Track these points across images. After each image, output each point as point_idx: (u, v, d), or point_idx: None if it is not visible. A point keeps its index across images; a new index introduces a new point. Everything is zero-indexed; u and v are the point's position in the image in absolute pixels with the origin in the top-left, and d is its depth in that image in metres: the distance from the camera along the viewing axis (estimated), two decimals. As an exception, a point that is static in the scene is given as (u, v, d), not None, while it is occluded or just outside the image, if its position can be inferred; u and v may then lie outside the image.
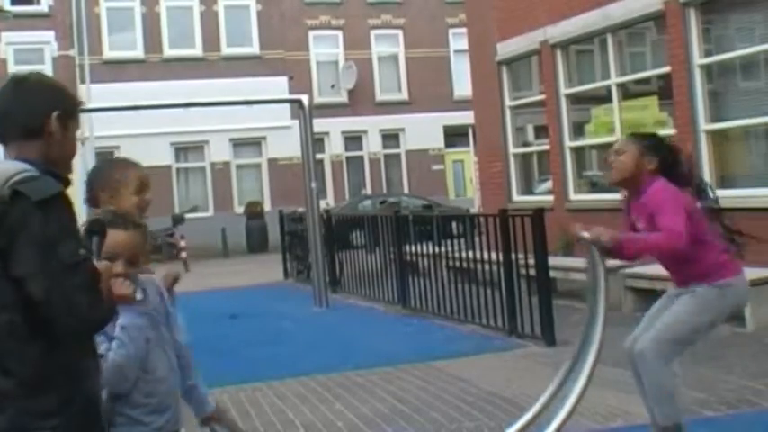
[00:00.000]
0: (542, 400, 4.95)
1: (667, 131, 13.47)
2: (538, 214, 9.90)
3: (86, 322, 2.65)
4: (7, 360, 2.54)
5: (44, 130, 2.79)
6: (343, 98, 34.30)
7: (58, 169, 2.79)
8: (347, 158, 34.55)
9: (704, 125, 12.37)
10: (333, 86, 34.34)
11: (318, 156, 22.42)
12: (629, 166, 4.88)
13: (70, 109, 2.89)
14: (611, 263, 4.90)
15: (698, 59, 12.42)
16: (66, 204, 2.63)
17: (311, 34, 34.09)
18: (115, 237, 3.33)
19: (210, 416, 4.06)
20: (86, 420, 2.70)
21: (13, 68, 29.30)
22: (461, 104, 29.29)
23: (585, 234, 4.68)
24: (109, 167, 4.23)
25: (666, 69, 13.08)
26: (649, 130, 14.12)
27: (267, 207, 30.66)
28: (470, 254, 12.20)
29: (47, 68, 29.00)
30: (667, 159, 4.99)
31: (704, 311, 4.90)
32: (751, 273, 9.74)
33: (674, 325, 4.87)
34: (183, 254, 23.75)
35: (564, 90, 15.57)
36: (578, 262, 12.13)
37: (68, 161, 2.89)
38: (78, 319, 2.60)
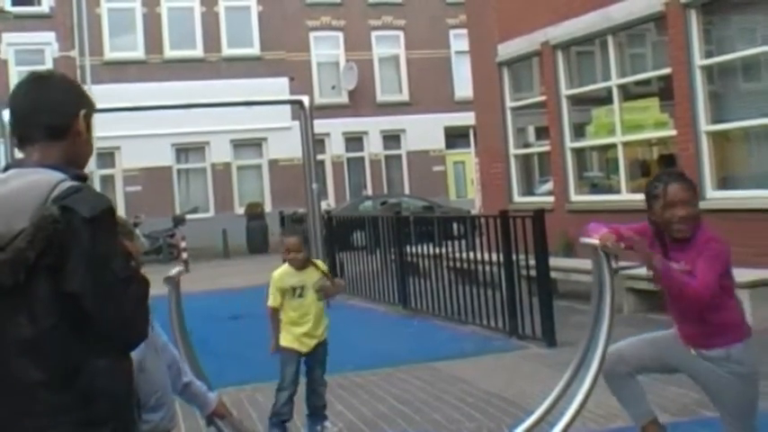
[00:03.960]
0: (548, 401, 4.93)
1: (668, 133, 13.49)
2: (538, 215, 9.90)
3: (141, 333, 2.67)
4: (65, 375, 2.50)
5: (71, 130, 2.72)
6: (344, 99, 34.31)
7: (78, 167, 2.71)
8: (348, 159, 34.56)
9: (705, 126, 12.36)
10: (333, 87, 34.34)
11: (319, 157, 22.46)
12: (698, 218, 4.54)
13: (91, 108, 2.83)
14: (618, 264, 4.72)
15: (699, 61, 12.41)
16: (113, 216, 2.59)
17: (312, 35, 34.10)
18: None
19: (214, 411, 4.11)
20: (130, 424, 2.71)
21: (14, 69, 29.37)
22: (462, 105, 29.31)
23: (592, 241, 4.51)
24: None
25: (667, 71, 13.07)
26: (650, 131, 14.20)
27: (268, 208, 30.67)
28: (471, 255, 12.20)
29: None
30: None
31: (756, 380, 4.58)
32: (751, 274, 9.78)
33: (749, 414, 4.60)
34: (184, 254, 23.74)
35: (565, 91, 15.57)
36: (579, 263, 12.14)
37: (87, 161, 2.83)
38: (134, 331, 2.64)
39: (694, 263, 4.40)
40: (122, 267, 2.57)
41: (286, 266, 6.93)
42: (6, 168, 2.66)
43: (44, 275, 2.47)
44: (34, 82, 2.78)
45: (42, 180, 2.54)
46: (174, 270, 4.49)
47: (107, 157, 30.26)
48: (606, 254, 4.48)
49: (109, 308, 2.52)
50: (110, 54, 31.02)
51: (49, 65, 29.76)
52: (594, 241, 4.45)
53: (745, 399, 4.55)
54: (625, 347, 4.81)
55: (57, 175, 2.57)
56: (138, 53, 31.46)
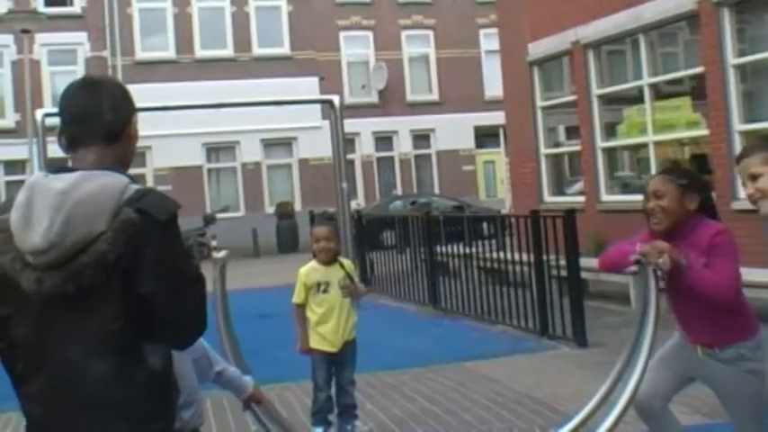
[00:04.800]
0: (590, 405, 4.90)
1: (700, 132, 13.40)
2: (569, 215, 9.86)
3: (202, 330, 2.73)
4: (126, 374, 2.56)
5: (124, 134, 2.77)
6: (374, 98, 34.31)
7: (126, 169, 2.77)
8: (378, 159, 34.56)
9: (738, 126, 12.27)
10: (363, 87, 34.35)
11: (349, 156, 22.42)
12: (673, 211, 4.47)
13: (136, 113, 2.90)
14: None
15: (732, 59, 12.32)
16: (177, 219, 2.63)
17: (342, 35, 34.13)
18: None
19: (251, 396, 4.12)
20: (171, 421, 2.76)
21: (46, 69, 29.58)
22: (492, 105, 29.24)
23: (640, 256, 4.39)
24: None
25: (700, 69, 12.99)
26: (682, 130, 14.08)
27: (298, 207, 30.72)
28: (501, 255, 12.17)
29: (79, 69, 29.28)
30: (704, 196, 4.61)
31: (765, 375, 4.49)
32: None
33: (763, 412, 4.56)
34: (214, 253, 23.81)
35: (596, 90, 15.50)
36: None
37: (132, 159, 2.90)
38: (197, 329, 2.70)
39: (710, 260, 4.36)
40: (190, 268, 2.65)
41: (313, 262, 6.96)
42: (57, 170, 2.65)
43: (119, 277, 2.51)
44: (90, 86, 2.82)
45: (113, 183, 2.58)
46: (222, 252, 4.47)
47: (138, 157, 30.21)
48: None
49: (178, 308, 2.58)
50: (141, 54, 31.18)
51: (81, 65, 29.99)
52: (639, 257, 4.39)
53: (759, 395, 4.51)
54: (649, 380, 4.64)
55: (123, 178, 2.62)
56: (169, 53, 31.59)
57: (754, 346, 4.48)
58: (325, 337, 6.84)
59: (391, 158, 34.80)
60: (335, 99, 15.10)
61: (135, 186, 2.60)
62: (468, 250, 13.21)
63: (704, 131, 13.14)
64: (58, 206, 2.51)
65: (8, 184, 28.94)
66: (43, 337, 2.57)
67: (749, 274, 6.44)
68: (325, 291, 6.85)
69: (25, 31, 20.85)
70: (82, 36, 30.63)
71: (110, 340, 2.54)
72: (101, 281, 2.49)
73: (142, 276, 2.51)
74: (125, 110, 2.80)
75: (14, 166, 28.52)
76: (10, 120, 29.35)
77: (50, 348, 2.57)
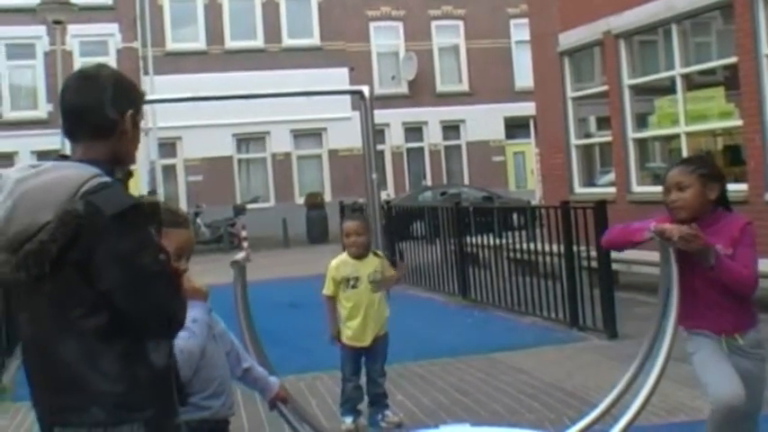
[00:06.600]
0: (613, 395, 4.88)
1: (734, 123, 13.29)
2: (600, 206, 9.81)
3: (174, 324, 2.73)
4: (102, 362, 2.58)
5: (117, 129, 2.73)
6: (404, 89, 34.27)
7: (123, 164, 2.77)
8: (408, 149, 34.53)
9: (772, 116, 12.14)
10: (393, 77, 34.32)
11: (379, 147, 22.43)
12: (697, 201, 4.46)
13: (140, 105, 2.83)
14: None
15: (766, 49, 12.18)
16: (140, 213, 2.61)
17: (372, 25, 34.10)
18: (181, 236, 3.48)
19: (276, 395, 4.14)
20: (170, 410, 2.77)
21: (78, 60, 29.75)
22: (522, 95, 29.14)
23: (654, 232, 4.41)
24: None
25: (733, 59, 12.86)
26: (715, 121, 13.96)
27: (328, 198, 30.76)
28: (531, 246, 12.13)
29: (111, 60, 29.43)
30: (723, 185, 4.59)
31: None
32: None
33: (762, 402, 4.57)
34: (245, 243, 23.95)
35: (627, 81, 15.38)
36: (641, 254, 12.01)
37: (134, 154, 2.86)
38: (166, 323, 2.70)
39: (735, 249, 4.37)
40: (151, 262, 2.59)
41: (343, 256, 6.96)
42: (58, 160, 2.73)
43: (72, 269, 2.53)
44: (82, 80, 2.81)
45: (74, 175, 2.58)
46: (241, 254, 4.51)
47: (168, 147, 30.58)
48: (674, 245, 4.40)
49: (139, 302, 2.57)
50: (171, 45, 31.31)
51: (112, 56, 30.14)
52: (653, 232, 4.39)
53: (765, 385, 4.54)
54: (737, 381, 4.40)
55: (91, 171, 2.60)
56: (200, 44, 31.71)
57: (759, 333, 4.53)
58: (354, 332, 6.85)
59: (421, 149, 34.77)
60: (365, 90, 15.05)
61: (99, 180, 2.57)
62: (497, 241, 13.18)
63: (737, 122, 13.02)
64: (9, 193, 2.57)
65: (40, 174, 29.16)
66: (21, 319, 2.67)
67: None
68: (353, 286, 6.84)
69: (57, 23, 21.00)
70: (113, 27, 30.81)
71: (76, 327, 2.56)
72: (46, 270, 2.51)
73: (97, 272, 2.52)
74: (116, 105, 2.74)
75: (47, 157, 28.49)
76: (42, 110, 29.57)
77: (27, 330, 2.67)
